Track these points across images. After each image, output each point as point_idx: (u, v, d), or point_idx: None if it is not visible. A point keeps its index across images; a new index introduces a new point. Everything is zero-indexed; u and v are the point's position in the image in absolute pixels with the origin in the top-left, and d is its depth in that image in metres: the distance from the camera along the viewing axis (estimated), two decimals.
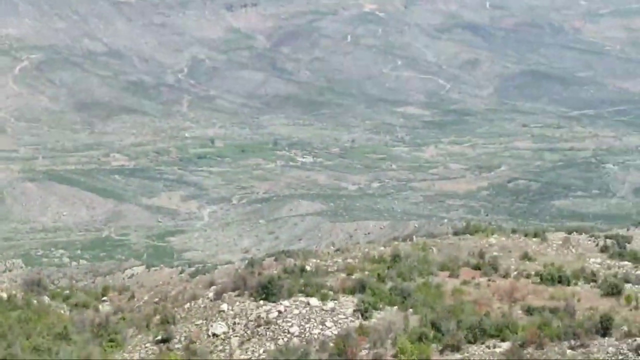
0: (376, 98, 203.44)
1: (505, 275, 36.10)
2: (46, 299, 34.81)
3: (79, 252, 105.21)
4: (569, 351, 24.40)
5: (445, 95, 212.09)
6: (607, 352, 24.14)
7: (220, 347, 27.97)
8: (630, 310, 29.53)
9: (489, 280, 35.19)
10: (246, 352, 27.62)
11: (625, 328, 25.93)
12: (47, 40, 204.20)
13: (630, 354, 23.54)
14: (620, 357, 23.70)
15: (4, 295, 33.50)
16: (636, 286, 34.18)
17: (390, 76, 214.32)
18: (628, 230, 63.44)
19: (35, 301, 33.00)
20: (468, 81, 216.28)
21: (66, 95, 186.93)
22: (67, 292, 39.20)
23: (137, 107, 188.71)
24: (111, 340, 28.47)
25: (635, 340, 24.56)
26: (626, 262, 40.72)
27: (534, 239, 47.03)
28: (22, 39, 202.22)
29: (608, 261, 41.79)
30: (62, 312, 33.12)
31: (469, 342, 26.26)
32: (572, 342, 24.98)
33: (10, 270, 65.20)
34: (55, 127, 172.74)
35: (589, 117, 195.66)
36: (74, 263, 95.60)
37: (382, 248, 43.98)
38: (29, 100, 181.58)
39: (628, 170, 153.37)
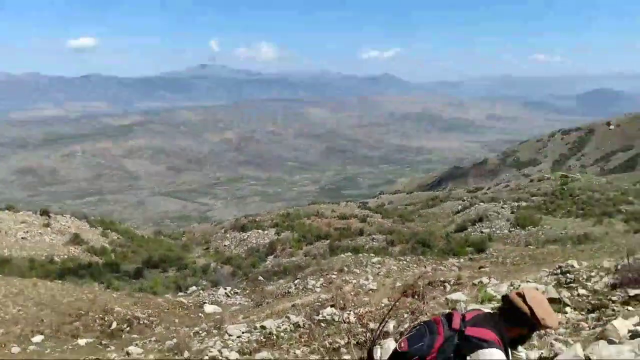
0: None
1: (328, 217, 51.68)
2: (162, 237, 59.91)
3: None
4: (351, 242, 39.25)
5: None
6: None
7: (228, 250, 45.20)
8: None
9: (322, 219, 50.31)
10: (237, 250, 44.81)
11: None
12: None
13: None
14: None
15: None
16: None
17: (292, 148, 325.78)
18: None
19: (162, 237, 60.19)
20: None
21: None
22: (172, 234, 64.68)
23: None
24: (187, 248, 48.97)
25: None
26: None
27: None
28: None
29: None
30: (169, 241, 54.42)
31: (315, 241, 41.50)
32: (350, 238, 40.89)
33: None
34: None
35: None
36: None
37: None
38: None
39: None
